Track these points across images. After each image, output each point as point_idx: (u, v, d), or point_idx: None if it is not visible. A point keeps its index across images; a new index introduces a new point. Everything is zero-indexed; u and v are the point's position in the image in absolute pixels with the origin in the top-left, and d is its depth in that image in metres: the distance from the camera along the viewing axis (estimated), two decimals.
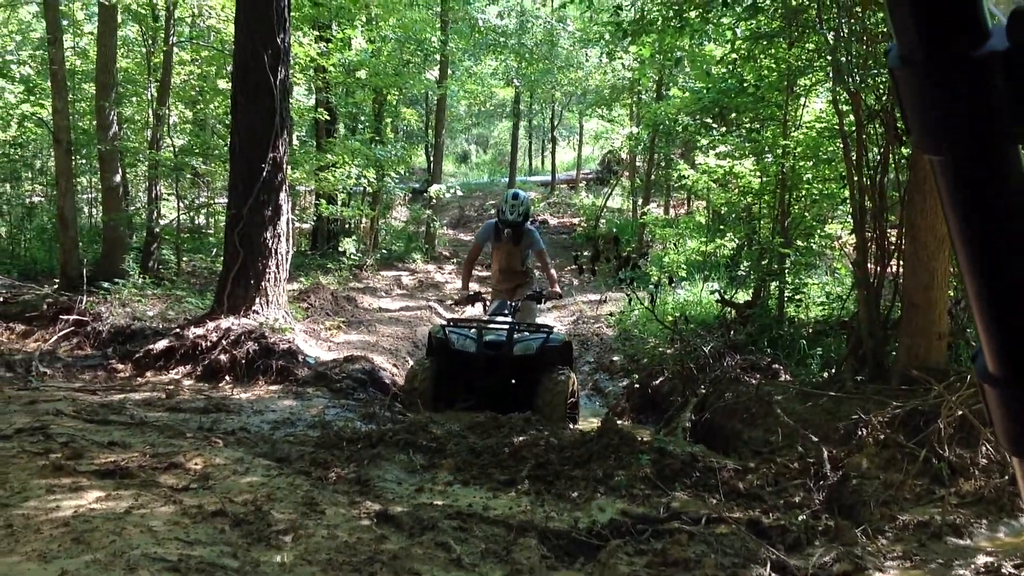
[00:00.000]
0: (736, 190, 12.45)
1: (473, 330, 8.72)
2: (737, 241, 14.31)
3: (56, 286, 13.67)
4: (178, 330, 10.29)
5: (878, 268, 7.62)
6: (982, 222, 0.59)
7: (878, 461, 5.81)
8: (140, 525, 4.98)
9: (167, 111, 15.12)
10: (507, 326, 8.61)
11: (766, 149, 11.04)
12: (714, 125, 14.17)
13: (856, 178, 7.84)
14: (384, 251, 21.85)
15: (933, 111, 0.57)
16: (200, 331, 10.16)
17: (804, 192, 10.63)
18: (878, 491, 5.38)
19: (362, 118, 22.83)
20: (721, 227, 15.12)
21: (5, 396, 8.19)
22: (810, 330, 9.47)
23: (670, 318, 11.26)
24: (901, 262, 7.25)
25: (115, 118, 14.05)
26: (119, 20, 14.54)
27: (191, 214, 18.07)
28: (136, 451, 6.38)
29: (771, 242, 10.49)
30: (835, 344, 8.81)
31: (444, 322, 9.34)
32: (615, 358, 12.02)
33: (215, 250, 15.93)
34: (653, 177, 22.73)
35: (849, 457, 6.03)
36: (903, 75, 0.57)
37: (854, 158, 7.87)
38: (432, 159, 26.13)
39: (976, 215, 0.59)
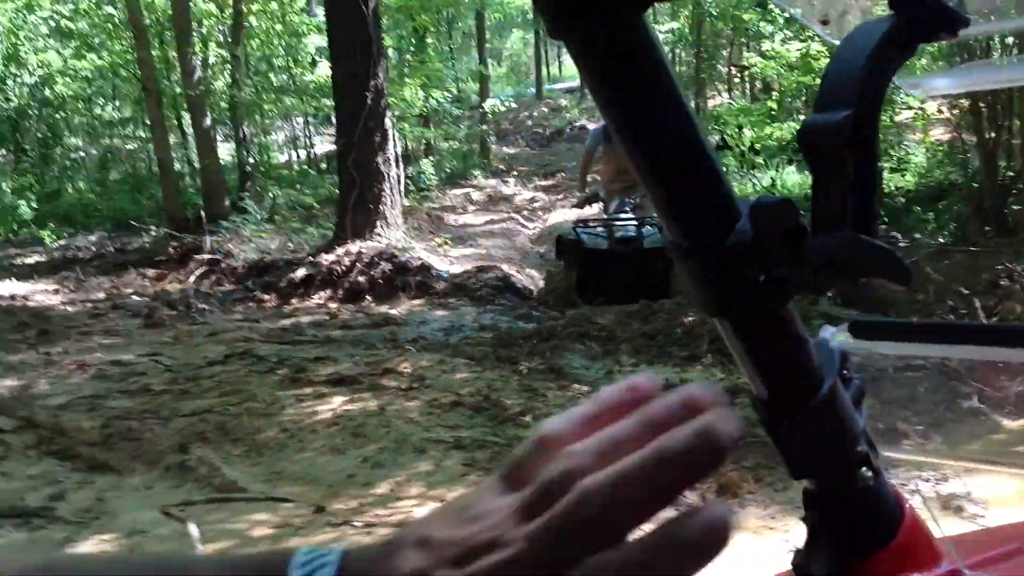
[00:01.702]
0: (812, 72, 12.76)
1: (602, 228, 9.24)
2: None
3: (155, 234, 14.31)
4: (310, 259, 10.91)
5: (992, 131, 8.05)
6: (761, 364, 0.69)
7: None
8: (399, 417, 5.66)
9: (243, 50, 15.53)
10: (635, 221, 9.13)
11: None
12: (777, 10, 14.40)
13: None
14: (445, 171, 22.32)
15: (698, 290, 0.63)
16: (332, 257, 10.78)
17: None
18: None
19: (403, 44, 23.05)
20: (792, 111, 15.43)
21: (183, 331, 8.87)
22: (915, 197, 9.93)
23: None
24: (1017, 122, 7.68)
25: (198, 63, 14.49)
26: None
27: (284, 150, 18.57)
28: (345, 363, 7.03)
29: None
30: (948, 207, 9.28)
31: (571, 225, 9.85)
32: None
33: (301, 184, 16.46)
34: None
35: (1000, 305, 6.56)
36: (677, 257, 0.62)
37: None
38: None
39: (744, 354, 0.68)
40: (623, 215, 9.49)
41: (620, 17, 0.55)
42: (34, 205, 17.70)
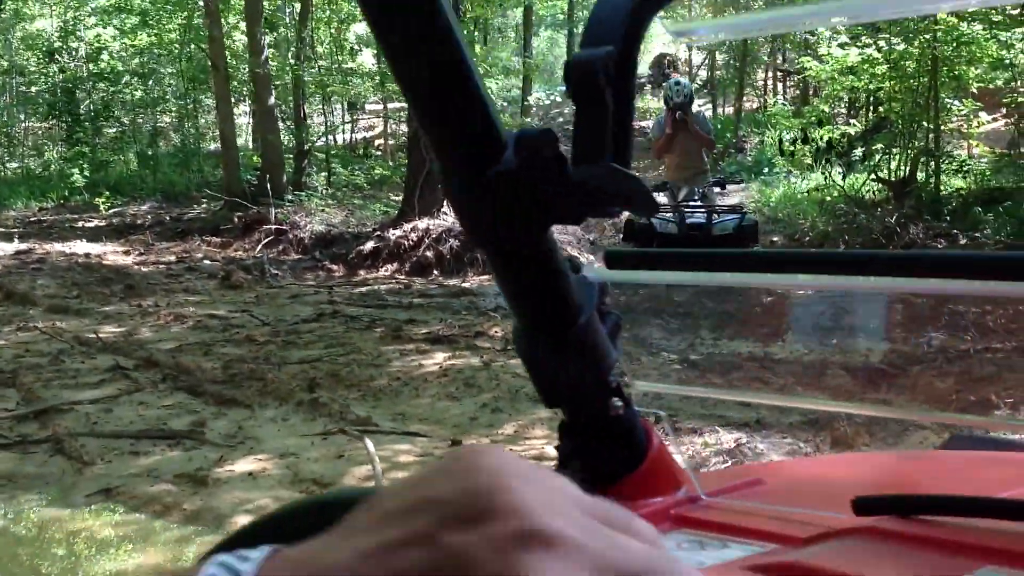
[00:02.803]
0: (867, 76, 12.98)
1: (672, 215, 9.50)
2: (860, 127, 14.90)
3: (205, 205, 14.68)
4: (379, 233, 11.18)
5: None
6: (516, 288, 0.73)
7: None
8: (506, 372, 5.92)
9: (310, 34, 15.84)
10: (705, 209, 9.39)
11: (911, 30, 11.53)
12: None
13: None
14: None
15: (466, 218, 0.66)
16: (399, 232, 11.05)
17: (961, 72, 11.15)
18: None
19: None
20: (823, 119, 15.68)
21: (263, 293, 9.15)
22: (975, 199, 10.18)
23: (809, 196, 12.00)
24: None
25: (265, 43, 14.78)
26: None
27: (335, 134, 18.85)
28: (436, 325, 7.30)
29: (923, 116, 11.12)
30: (1012, 208, 9.53)
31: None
32: (774, 238, 12.77)
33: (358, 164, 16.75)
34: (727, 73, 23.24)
35: None
36: (448, 186, 0.64)
37: None
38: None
39: (506, 282, 0.73)
40: (692, 202, 9.74)
41: None
42: (86, 174, 18.06)
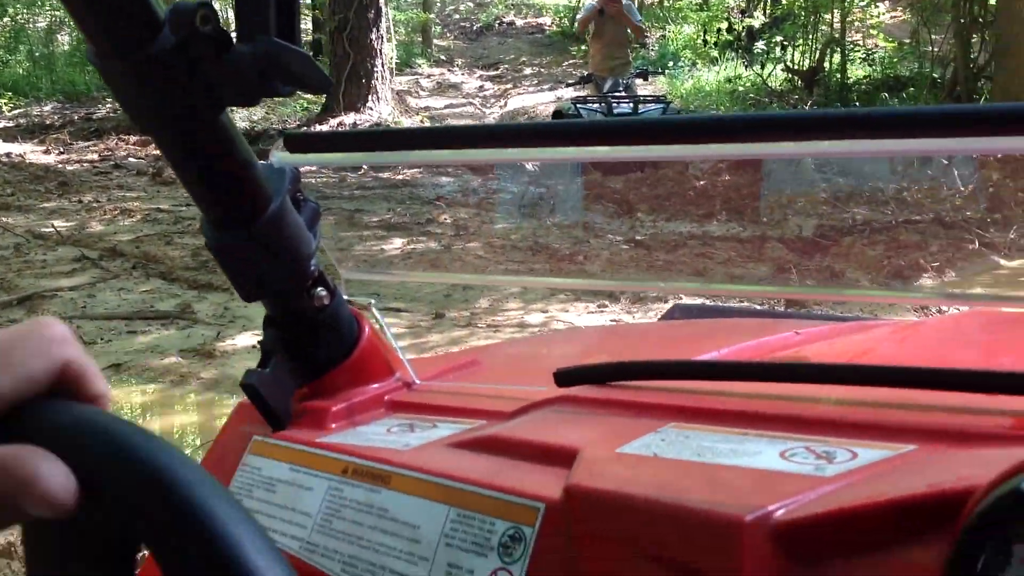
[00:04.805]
0: None
1: (600, 105, 9.81)
2: (764, 19, 15.39)
3: (115, 106, 14.32)
4: (305, 128, 11.22)
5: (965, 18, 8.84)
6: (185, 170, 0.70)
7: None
8: (467, 254, 6.23)
9: None
10: (631, 98, 9.73)
11: None
12: None
13: None
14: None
15: (129, 104, 0.63)
16: (325, 128, 11.12)
17: None
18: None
19: None
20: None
21: None
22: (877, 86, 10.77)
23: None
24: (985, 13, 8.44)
25: None
26: None
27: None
28: (386, 215, 7.53)
29: (827, 6, 11.62)
30: (916, 94, 10.13)
31: (570, 101, 10.38)
32: None
33: None
34: None
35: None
36: (103, 69, 0.60)
37: None
38: None
39: (182, 171, 0.70)
40: (619, 93, 10.06)
41: None
42: None
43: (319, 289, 0.80)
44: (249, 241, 0.73)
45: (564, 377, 0.80)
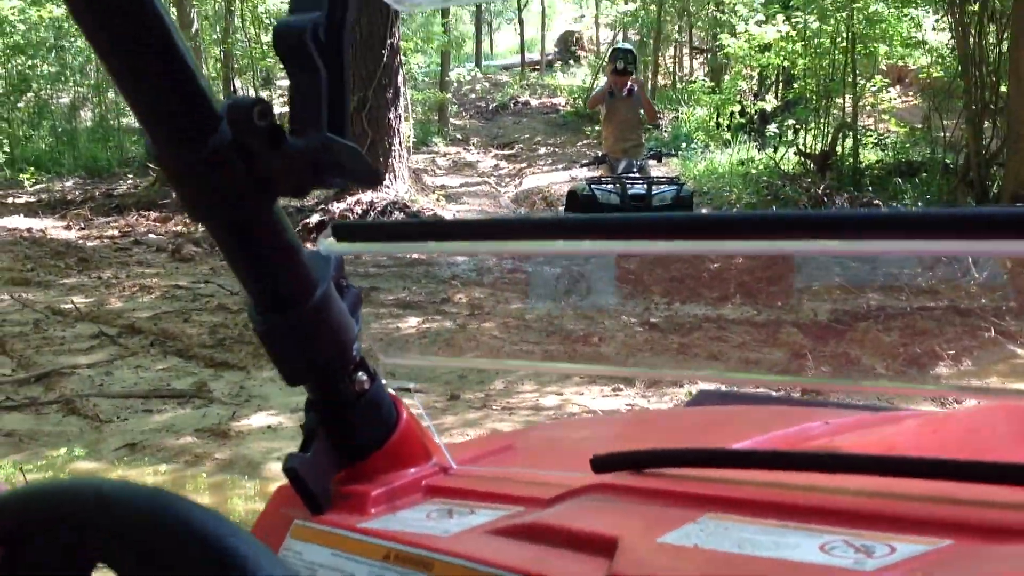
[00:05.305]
0: (784, 53, 13.59)
1: (614, 186, 9.91)
2: (776, 103, 15.61)
3: (132, 180, 14.64)
4: (323, 207, 11.34)
5: (977, 104, 8.95)
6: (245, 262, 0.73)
7: None
8: (482, 333, 6.24)
9: (240, 6, 15.77)
10: (645, 180, 9.83)
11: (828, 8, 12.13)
12: None
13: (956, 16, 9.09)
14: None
15: (184, 196, 0.66)
16: (343, 205, 11.25)
17: (873, 50, 11.83)
18: None
19: None
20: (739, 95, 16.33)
21: (218, 265, 9.26)
22: (891, 172, 10.87)
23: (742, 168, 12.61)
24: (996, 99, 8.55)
25: (195, 15, 14.69)
26: None
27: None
28: (401, 293, 7.58)
29: (839, 91, 11.78)
30: (928, 179, 10.22)
31: (585, 181, 10.49)
32: (703, 210, 13.34)
33: None
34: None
35: None
36: (163, 163, 0.63)
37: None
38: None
39: (233, 258, 0.73)
40: (632, 173, 10.17)
41: None
42: (7, 150, 17.70)
43: (360, 373, 0.82)
44: (295, 325, 0.75)
45: (601, 463, 0.82)
